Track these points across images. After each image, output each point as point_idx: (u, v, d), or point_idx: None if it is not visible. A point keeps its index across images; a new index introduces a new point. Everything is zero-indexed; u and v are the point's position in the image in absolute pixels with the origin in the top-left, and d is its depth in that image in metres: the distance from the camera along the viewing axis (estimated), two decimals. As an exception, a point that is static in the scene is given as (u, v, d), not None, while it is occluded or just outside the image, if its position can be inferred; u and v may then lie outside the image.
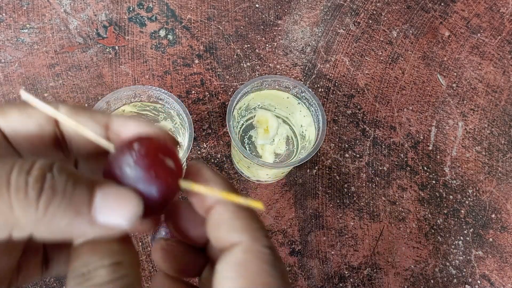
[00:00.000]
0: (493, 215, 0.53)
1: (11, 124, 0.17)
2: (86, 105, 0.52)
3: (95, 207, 0.15)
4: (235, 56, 0.57)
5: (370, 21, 0.61)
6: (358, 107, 0.56)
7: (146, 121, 0.19)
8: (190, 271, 0.22)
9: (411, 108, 0.57)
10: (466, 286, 0.49)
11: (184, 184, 0.18)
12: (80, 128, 0.17)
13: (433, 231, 0.51)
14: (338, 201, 0.51)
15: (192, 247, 0.22)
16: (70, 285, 0.16)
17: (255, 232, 0.17)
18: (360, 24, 0.61)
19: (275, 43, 0.58)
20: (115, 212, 0.15)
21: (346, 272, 0.49)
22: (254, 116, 0.49)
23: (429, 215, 0.52)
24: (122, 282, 0.16)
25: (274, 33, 0.59)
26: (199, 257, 0.22)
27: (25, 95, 0.17)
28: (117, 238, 0.16)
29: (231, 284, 0.17)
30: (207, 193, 0.18)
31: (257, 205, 0.18)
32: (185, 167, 0.36)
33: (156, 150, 0.17)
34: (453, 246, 0.51)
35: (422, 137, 0.56)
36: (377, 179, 0.53)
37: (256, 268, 0.17)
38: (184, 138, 0.45)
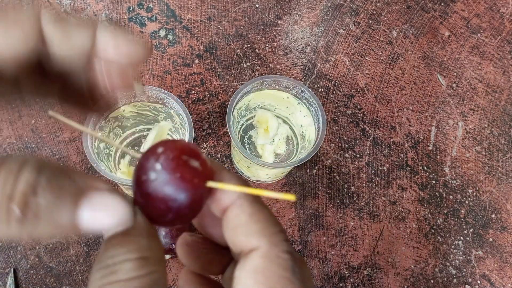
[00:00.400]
0: (493, 215, 0.53)
1: None
2: (86, 105, 0.52)
3: (78, 218, 0.15)
4: (235, 56, 0.57)
5: (370, 21, 0.61)
6: (358, 107, 0.56)
7: (133, 36, 0.18)
8: (213, 268, 0.21)
9: (411, 108, 0.57)
10: (466, 286, 0.49)
11: (211, 184, 0.17)
12: (110, 142, 0.17)
13: (433, 231, 0.51)
14: (338, 201, 0.51)
15: (216, 244, 0.21)
16: (94, 277, 0.15)
17: (273, 236, 0.17)
18: (360, 24, 0.61)
19: (275, 43, 0.58)
20: (99, 221, 0.15)
21: (346, 272, 0.49)
22: (254, 116, 0.49)
23: (429, 215, 0.52)
24: (148, 279, 0.15)
25: (274, 33, 0.59)
26: (223, 255, 0.21)
27: (52, 113, 0.17)
28: (146, 233, 0.16)
29: None
30: (236, 190, 0.17)
31: (289, 197, 0.17)
32: None
33: (180, 152, 0.17)
34: (453, 246, 0.51)
35: (422, 137, 0.56)
36: (377, 179, 0.53)
37: (275, 275, 0.16)
38: (184, 138, 0.45)
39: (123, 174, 0.45)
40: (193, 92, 0.54)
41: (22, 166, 0.14)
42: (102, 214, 0.15)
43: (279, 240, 0.17)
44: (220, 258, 0.21)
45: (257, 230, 0.17)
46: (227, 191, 0.18)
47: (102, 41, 0.18)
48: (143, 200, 0.17)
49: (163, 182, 0.16)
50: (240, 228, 0.17)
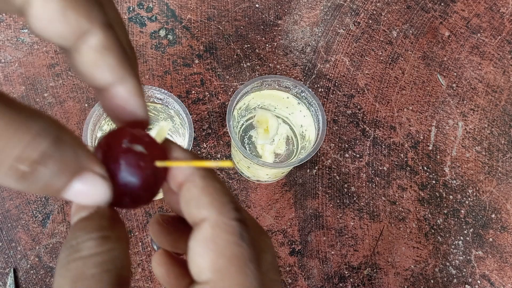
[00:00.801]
0: (493, 215, 0.53)
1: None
2: (86, 105, 0.52)
3: (67, 187, 0.16)
4: (235, 56, 0.57)
5: (370, 21, 0.61)
6: (358, 107, 0.56)
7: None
8: (182, 245, 0.22)
9: (411, 108, 0.57)
10: (466, 286, 0.49)
11: (160, 163, 0.18)
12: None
13: (433, 231, 0.51)
14: (338, 201, 0.51)
15: (184, 221, 0.22)
16: (61, 256, 0.16)
17: (223, 206, 0.18)
18: (360, 24, 0.61)
19: (275, 43, 0.58)
20: (81, 197, 0.16)
21: (346, 272, 0.49)
22: (254, 116, 0.49)
23: (429, 215, 0.52)
24: (109, 254, 0.16)
25: (274, 33, 0.59)
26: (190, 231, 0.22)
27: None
28: (108, 215, 0.17)
29: (201, 259, 0.17)
30: (182, 165, 0.19)
31: (226, 164, 0.18)
32: None
33: (121, 140, 0.18)
34: (453, 246, 0.51)
35: (422, 137, 0.56)
36: (377, 179, 0.53)
37: (224, 241, 0.17)
38: (184, 138, 0.45)
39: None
40: (193, 92, 0.54)
41: (41, 133, 0.14)
42: (87, 194, 0.16)
43: (228, 209, 0.18)
44: (188, 234, 0.21)
45: (208, 202, 0.18)
46: (181, 168, 0.19)
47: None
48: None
49: (113, 171, 0.17)
50: (192, 201, 0.18)
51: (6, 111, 0.14)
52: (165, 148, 0.20)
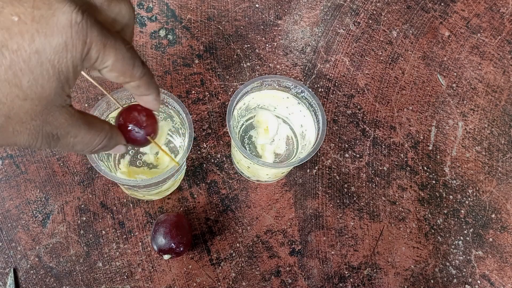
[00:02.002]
0: (493, 215, 0.53)
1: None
2: (86, 105, 0.52)
3: (112, 151, 0.30)
4: (235, 56, 0.57)
5: (370, 21, 0.61)
6: (358, 107, 0.56)
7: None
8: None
9: (411, 108, 0.57)
10: (466, 286, 0.49)
11: (151, 138, 0.32)
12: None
13: (433, 231, 0.51)
14: (338, 201, 0.51)
15: None
16: None
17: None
18: (360, 24, 0.61)
19: (275, 43, 0.58)
20: (116, 151, 0.31)
21: (346, 272, 0.49)
22: (254, 116, 0.49)
23: (429, 215, 0.52)
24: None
25: (274, 33, 0.59)
26: None
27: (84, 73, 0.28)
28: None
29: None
30: (160, 149, 0.35)
31: (175, 162, 0.38)
32: (185, 166, 0.45)
33: (130, 112, 0.32)
34: (453, 246, 0.51)
35: (422, 137, 0.56)
36: (377, 179, 0.53)
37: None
38: (184, 138, 0.45)
39: (123, 174, 0.45)
40: (193, 92, 0.54)
41: (104, 133, 0.27)
42: (118, 150, 0.30)
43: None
44: None
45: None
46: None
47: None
48: (122, 131, 0.31)
49: (128, 129, 0.31)
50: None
51: (91, 121, 0.26)
52: (154, 116, 0.33)
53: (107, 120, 0.43)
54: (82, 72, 0.26)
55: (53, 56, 0.21)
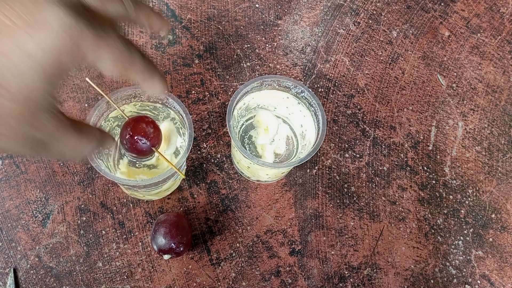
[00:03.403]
0: (493, 215, 0.53)
1: None
2: (86, 105, 0.52)
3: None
4: (235, 56, 0.57)
5: (370, 21, 0.61)
6: (358, 107, 0.56)
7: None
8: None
9: (411, 108, 0.57)
10: (466, 286, 0.49)
11: (156, 149, 0.36)
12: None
13: (433, 231, 0.51)
14: (338, 201, 0.51)
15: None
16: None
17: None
18: (360, 24, 0.61)
19: (275, 43, 0.58)
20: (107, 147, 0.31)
21: (346, 272, 0.49)
22: (254, 116, 0.49)
23: (429, 215, 0.52)
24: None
25: (274, 33, 0.59)
26: None
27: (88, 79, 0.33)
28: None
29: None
30: (166, 160, 0.38)
31: (182, 175, 0.40)
32: (185, 167, 0.44)
33: (138, 124, 0.35)
34: (453, 246, 0.51)
35: (422, 137, 0.56)
36: (377, 179, 0.53)
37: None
38: (184, 138, 0.45)
39: (123, 174, 0.45)
40: (193, 92, 0.54)
41: (95, 139, 0.27)
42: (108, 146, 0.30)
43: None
44: None
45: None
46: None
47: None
48: (126, 143, 0.36)
49: (134, 140, 0.35)
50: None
51: (81, 128, 0.26)
52: (158, 128, 0.37)
53: (107, 119, 0.43)
54: (86, 79, 0.28)
55: (44, 60, 0.21)
